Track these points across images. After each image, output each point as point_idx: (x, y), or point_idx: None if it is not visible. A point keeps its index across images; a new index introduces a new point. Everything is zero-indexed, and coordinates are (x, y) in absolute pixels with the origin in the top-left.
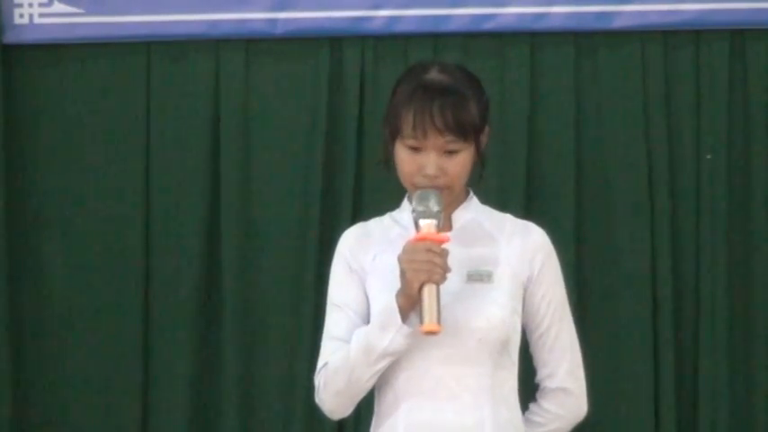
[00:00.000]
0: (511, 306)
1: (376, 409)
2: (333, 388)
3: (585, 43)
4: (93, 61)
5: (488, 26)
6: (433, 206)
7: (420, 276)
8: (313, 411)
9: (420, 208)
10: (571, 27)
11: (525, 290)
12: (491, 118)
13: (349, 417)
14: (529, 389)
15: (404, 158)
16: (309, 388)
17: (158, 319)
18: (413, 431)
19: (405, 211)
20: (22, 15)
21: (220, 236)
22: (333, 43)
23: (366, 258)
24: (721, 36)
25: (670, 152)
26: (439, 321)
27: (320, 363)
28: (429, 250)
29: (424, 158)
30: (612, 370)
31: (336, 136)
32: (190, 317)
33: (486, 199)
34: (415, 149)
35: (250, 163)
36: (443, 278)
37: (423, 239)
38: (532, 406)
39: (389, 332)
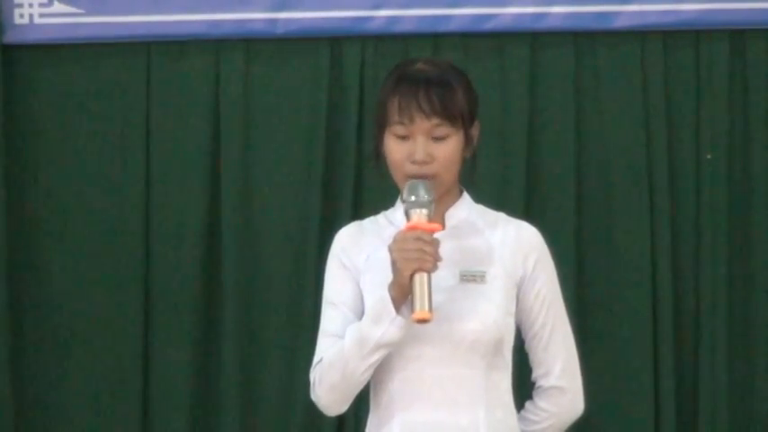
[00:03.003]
0: (504, 306)
1: (371, 411)
2: (327, 383)
3: (585, 43)
4: (93, 61)
5: (488, 26)
6: (423, 195)
7: (411, 265)
8: (313, 411)
9: (411, 198)
10: (571, 27)
11: (519, 289)
12: (490, 119)
13: (349, 417)
14: (525, 388)
15: (392, 148)
16: (309, 387)
17: (158, 319)
18: None
19: (398, 211)
20: (22, 15)
21: (220, 236)
22: (333, 43)
23: (360, 257)
24: (721, 36)
25: (670, 152)
26: (430, 309)
27: (315, 359)
28: (419, 239)
29: (412, 145)
30: (612, 370)
31: (336, 136)
32: (190, 317)
33: (485, 199)
34: (403, 137)
35: (250, 163)
36: (434, 267)
37: (413, 228)
38: (528, 404)
39: (383, 323)
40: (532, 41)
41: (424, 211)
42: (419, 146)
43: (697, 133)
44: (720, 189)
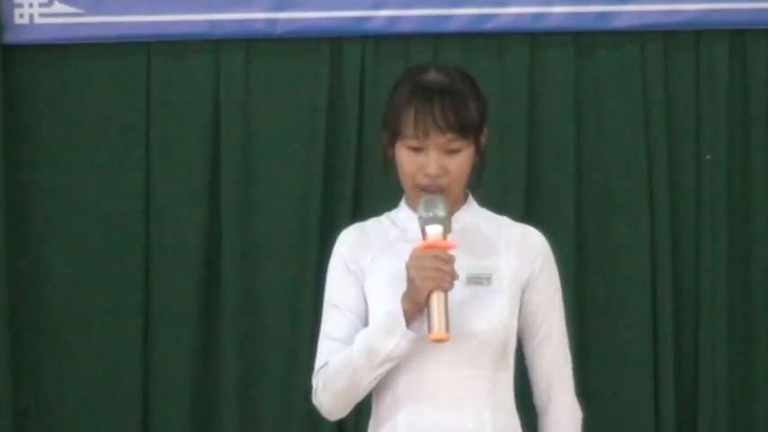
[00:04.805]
0: (510, 309)
1: (374, 411)
2: (333, 389)
3: (585, 43)
4: (93, 61)
5: (488, 26)
6: (440, 212)
7: (429, 284)
8: (313, 412)
9: (427, 214)
10: (571, 27)
11: (523, 292)
12: (490, 119)
13: (349, 418)
14: (528, 390)
15: (405, 159)
16: (309, 388)
17: (158, 319)
18: None
19: (402, 212)
20: (22, 15)
21: (220, 236)
22: (333, 43)
23: (365, 259)
24: (721, 36)
25: (670, 152)
26: (447, 329)
27: (318, 363)
28: (437, 257)
29: (425, 158)
30: (612, 370)
31: (336, 136)
32: (190, 317)
33: (486, 199)
34: (417, 150)
35: (250, 163)
36: (451, 286)
37: (430, 247)
38: (546, 423)
39: (394, 337)
40: (532, 41)
41: (440, 227)
42: (432, 159)
43: (697, 133)
44: (720, 189)
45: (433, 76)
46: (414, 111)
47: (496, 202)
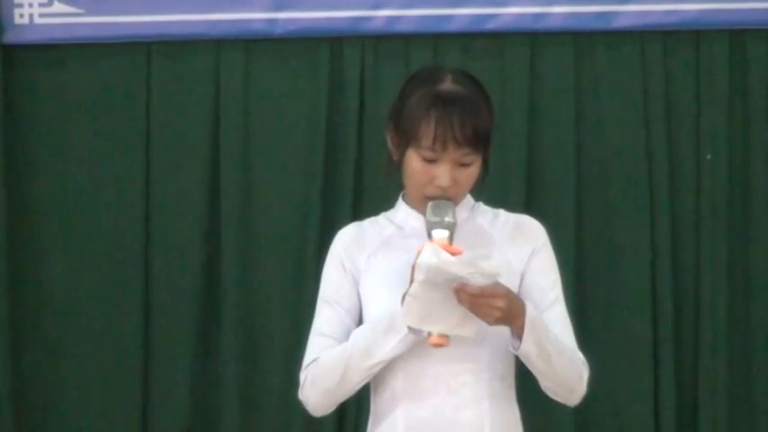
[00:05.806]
0: None
1: (372, 407)
2: (322, 386)
3: (585, 43)
4: (93, 61)
5: (488, 26)
6: (448, 218)
7: None
8: None
9: (435, 219)
10: (571, 27)
11: (523, 278)
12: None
13: (350, 416)
14: (528, 384)
15: (417, 168)
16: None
17: (158, 319)
18: (413, 430)
19: (400, 210)
20: (22, 15)
21: (220, 236)
22: (333, 43)
23: (361, 258)
24: (721, 36)
25: (670, 152)
26: (447, 335)
27: (308, 358)
28: None
29: (437, 170)
30: (612, 370)
31: (336, 136)
32: (190, 317)
33: (485, 199)
34: (430, 161)
35: (250, 163)
36: None
37: None
38: None
39: (393, 338)
40: (532, 41)
41: (447, 232)
42: (445, 173)
43: (697, 133)
44: (720, 189)
45: (450, 86)
46: (434, 123)
47: (497, 201)
